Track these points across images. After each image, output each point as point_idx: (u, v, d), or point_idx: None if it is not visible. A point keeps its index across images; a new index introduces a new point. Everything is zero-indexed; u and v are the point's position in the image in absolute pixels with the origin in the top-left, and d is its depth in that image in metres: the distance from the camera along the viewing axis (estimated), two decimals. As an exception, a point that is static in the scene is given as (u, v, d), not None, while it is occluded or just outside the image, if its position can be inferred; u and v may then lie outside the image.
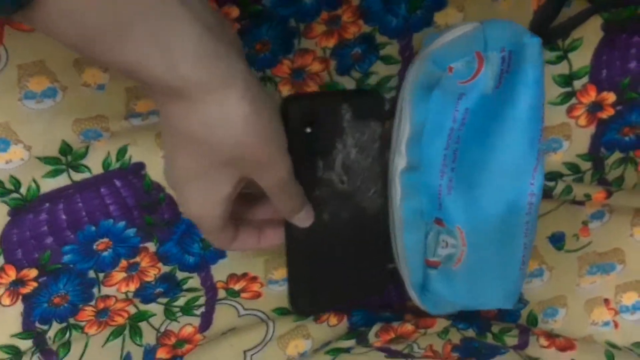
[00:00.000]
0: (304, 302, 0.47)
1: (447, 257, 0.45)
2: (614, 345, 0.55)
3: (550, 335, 0.52)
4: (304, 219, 0.43)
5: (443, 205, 0.44)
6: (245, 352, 0.48)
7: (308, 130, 0.42)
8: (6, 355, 0.46)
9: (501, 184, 0.43)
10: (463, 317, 0.52)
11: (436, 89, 0.43)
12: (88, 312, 0.47)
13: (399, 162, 0.44)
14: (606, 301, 0.55)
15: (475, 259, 0.45)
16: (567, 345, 0.52)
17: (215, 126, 0.33)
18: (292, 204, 0.41)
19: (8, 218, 0.43)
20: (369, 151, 0.44)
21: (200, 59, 0.31)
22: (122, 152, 0.44)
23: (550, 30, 0.46)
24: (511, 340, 0.51)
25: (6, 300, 0.45)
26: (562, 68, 0.47)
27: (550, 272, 0.54)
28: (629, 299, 0.55)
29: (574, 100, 0.48)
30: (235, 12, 0.41)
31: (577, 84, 0.47)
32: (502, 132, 0.43)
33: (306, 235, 0.44)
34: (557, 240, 0.53)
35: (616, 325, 0.55)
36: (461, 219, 0.44)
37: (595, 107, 0.48)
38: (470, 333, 0.51)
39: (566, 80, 0.47)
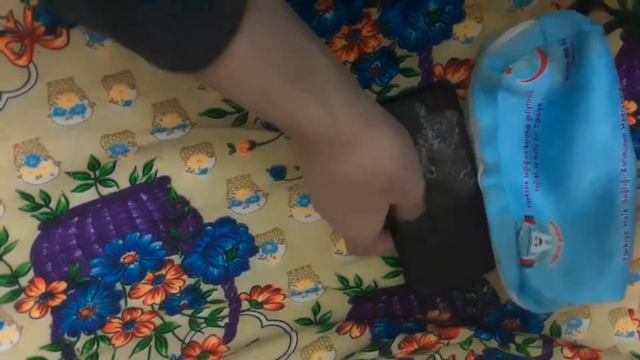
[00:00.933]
0: (426, 288, 0.50)
1: (542, 254, 0.46)
2: (638, 356, 0.55)
3: (575, 346, 0.52)
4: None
5: (532, 202, 0.44)
6: (268, 363, 0.50)
7: None
8: (35, 367, 0.48)
9: (590, 175, 0.43)
10: (486, 328, 0.52)
11: (500, 91, 0.44)
12: (115, 324, 0.49)
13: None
14: (630, 311, 0.55)
15: (573, 254, 0.45)
16: (591, 356, 0.52)
17: (369, 166, 0.36)
18: (413, 215, 0.45)
19: (38, 232, 0.45)
20: (450, 138, 0.46)
21: (351, 105, 0.34)
22: (148, 166, 0.45)
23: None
24: (535, 351, 0.51)
25: (36, 313, 0.47)
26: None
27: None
28: (654, 309, 0.55)
29: None
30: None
31: None
32: (580, 123, 0.43)
33: (412, 229, 0.46)
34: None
35: (641, 335, 0.55)
36: (554, 214, 0.44)
37: None
38: (493, 343, 0.51)
39: None
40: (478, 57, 0.46)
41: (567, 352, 0.51)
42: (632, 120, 0.49)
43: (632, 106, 0.49)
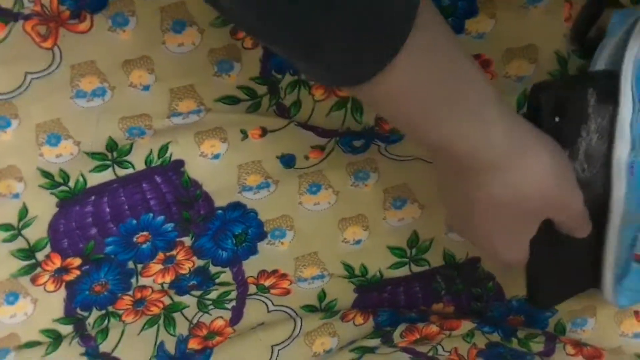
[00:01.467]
0: (545, 297, 0.48)
1: None
2: (643, 358, 0.55)
3: (578, 344, 0.53)
4: (584, 232, 0.44)
5: None
6: (272, 346, 0.51)
7: (557, 119, 0.40)
8: (47, 339, 0.50)
9: None
10: (488, 321, 0.53)
11: None
12: (126, 301, 0.51)
13: (621, 146, 0.43)
14: (636, 313, 0.56)
15: None
16: (594, 354, 0.53)
17: (522, 188, 0.36)
18: (578, 225, 0.43)
19: (56, 209, 0.47)
20: (606, 136, 0.43)
21: (509, 128, 0.34)
22: (163, 149, 0.48)
23: (587, 41, 0.48)
24: (537, 346, 0.52)
25: (50, 287, 0.49)
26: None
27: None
28: (659, 311, 0.56)
29: None
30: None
31: None
32: None
33: (549, 234, 0.43)
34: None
35: (646, 337, 0.56)
36: None
37: None
38: (495, 337, 0.52)
39: None
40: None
41: (570, 349, 0.52)
42: None
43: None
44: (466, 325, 0.52)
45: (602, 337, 0.56)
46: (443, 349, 0.53)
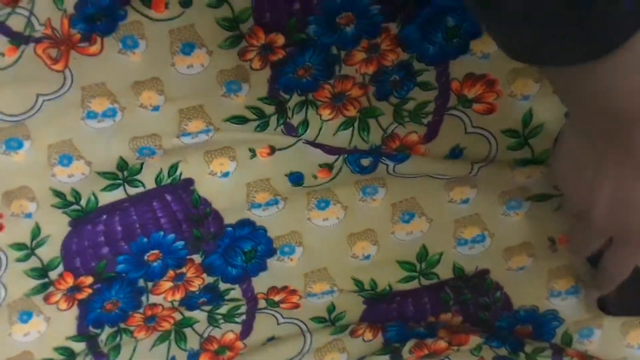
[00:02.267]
0: (623, 305, 0.51)
1: None
2: (649, 368, 0.56)
3: (585, 357, 0.54)
4: None
5: None
6: (283, 361, 0.53)
7: None
8: (61, 357, 0.52)
9: None
10: (497, 335, 0.54)
11: None
12: (137, 318, 0.52)
13: None
14: (643, 324, 0.57)
15: None
16: (600, 367, 0.54)
17: None
18: None
19: (69, 228, 0.49)
20: None
21: None
22: (173, 168, 0.49)
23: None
24: None
25: (63, 305, 0.51)
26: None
27: (587, 290, 0.56)
28: (666, 322, 0.57)
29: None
30: (281, 39, 0.46)
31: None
32: None
33: None
34: (594, 259, 0.55)
35: (652, 348, 0.57)
36: None
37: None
38: (503, 352, 0.53)
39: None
40: None
41: (577, 362, 0.53)
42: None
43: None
44: (474, 340, 0.53)
45: (609, 348, 0.57)
46: (451, 361, 0.54)
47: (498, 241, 0.54)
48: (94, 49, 0.45)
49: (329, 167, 0.50)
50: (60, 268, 0.50)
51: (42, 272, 0.49)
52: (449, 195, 0.52)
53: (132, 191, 0.49)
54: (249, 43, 0.46)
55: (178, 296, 0.52)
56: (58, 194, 0.48)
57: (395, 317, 0.55)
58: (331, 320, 0.55)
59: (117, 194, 0.49)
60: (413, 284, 0.55)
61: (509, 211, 0.53)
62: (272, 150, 0.50)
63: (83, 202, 0.48)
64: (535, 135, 0.50)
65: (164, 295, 0.52)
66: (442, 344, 0.53)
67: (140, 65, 0.46)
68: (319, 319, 0.55)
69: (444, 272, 0.55)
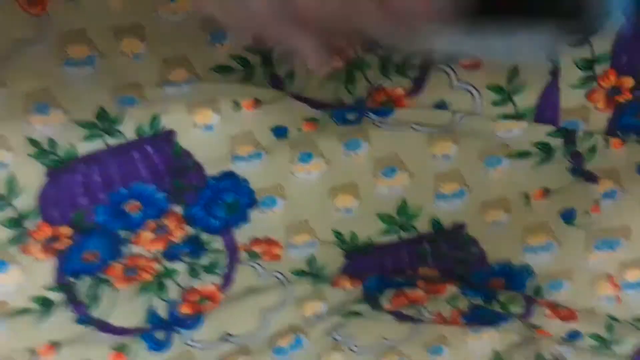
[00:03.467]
0: None
1: None
2: (614, 318, 0.60)
3: (554, 306, 0.57)
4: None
5: None
6: (263, 311, 0.54)
7: None
8: (39, 306, 0.52)
9: None
10: (471, 286, 0.57)
11: None
12: (117, 268, 0.53)
13: None
14: (610, 277, 0.60)
15: None
16: (569, 315, 0.57)
17: None
18: None
19: (46, 178, 0.48)
20: None
21: None
22: (155, 119, 0.48)
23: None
24: (517, 309, 0.56)
25: (41, 255, 0.51)
26: (584, 52, 0.51)
27: (559, 246, 0.58)
28: (632, 275, 0.60)
29: (593, 84, 0.52)
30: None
31: (598, 68, 0.51)
32: None
33: None
34: (568, 216, 0.57)
35: (619, 300, 0.60)
36: None
37: (614, 91, 0.52)
38: (478, 301, 0.56)
39: (588, 64, 0.51)
40: None
41: (547, 311, 0.56)
42: (629, 96, 0.53)
43: (629, 82, 0.52)
44: (450, 290, 0.55)
45: (578, 299, 0.60)
46: (427, 311, 0.56)
47: (476, 196, 0.56)
48: (72, -9, 0.44)
49: (314, 120, 0.51)
50: (37, 218, 0.49)
51: (18, 222, 0.49)
52: (431, 151, 0.54)
53: (112, 142, 0.48)
54: (236, -10, 0.45)
55: (160, 246, 0.53)
56: (34, 143, 0.47)
57: (375, 270, 0.57)
58: (311, 272, 0.57)
59: (96, 145, 0.48)
60: (392, 238, 0.56)
61: (488, 167, 0.55)
62: (257, 103, 0.50)
63: (60, 152, 0.48)
64: (519, 91, 0.51)
65: (144, 245, 0.53)
66: (419, 292, 0.55)
67: (121, 10, 0.45)
68: (299, 272, 0.56)
69: (423, 226, 0.56)
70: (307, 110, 0.50)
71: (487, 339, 0.60)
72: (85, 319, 0.53)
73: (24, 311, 0.52)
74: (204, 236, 0.54)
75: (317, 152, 0.52)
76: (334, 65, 0.49)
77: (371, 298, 0.55)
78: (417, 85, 0.51)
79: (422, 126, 0.52)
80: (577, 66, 0.51)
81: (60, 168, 0.48)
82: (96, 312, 0.53)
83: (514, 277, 0.59)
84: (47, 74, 0.45)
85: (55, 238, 0.50)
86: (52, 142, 0.47)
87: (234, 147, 0.51)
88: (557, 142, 0.53)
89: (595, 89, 0.52)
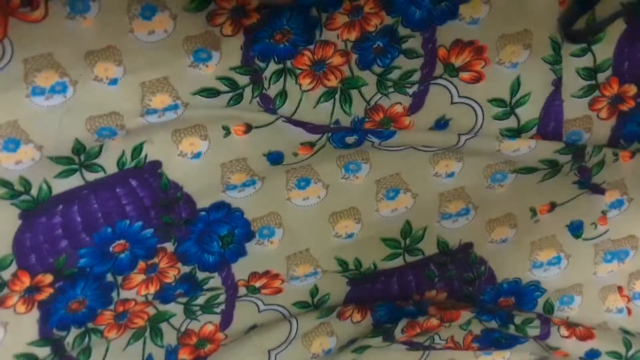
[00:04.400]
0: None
1: None
2: (628, 332, 0.49)
3: (570, 325, 0.46)
4: None
5: None
6: (269, 351, 0.42)
7: None
8: (23, 363, 0.40)
9: None
10: (485, 309, 0.45)
11: None
12: (107, 316, 0.40)
13: None
14: (620, 288, 0.49)
15: None
16: (586, 334, 0.46)
17: None
18: None
19: (19, 222, 0.36)
20: None
21: None
22: (137, 150, 0.37)
23: (576, 31, 0.40)
24: (533, 331, 0.45)
25: (21, 308, 0.38)
26: (587, 61, 0.41)
27: (568, 260, 0.47)
28: (641, 285, 0.49)
29: (596, 94, 0.42)
30: (255, 1, 0.35)
31: (601, 76, 0.41)
32: None
33: None
34: (575, 229, 0.47)
35: (629, 312, 0.49)
36: None
37: (617, 100, 0.42)
38: (493, 325, 0.44)
39: (590, 73, 0.41)
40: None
41: (564, 331, 0.45)
42: (632, 103, 0.43)
43: (632, 89, 0.42)
44: (465, 316, 0.44)
45: (589, 313, 0.49)
46: (440, 337, 0.45)
47: (482, 214, 0.45)
48: (37, 14, 0.33)
49: (310, 144, 0.40)
50: (14, 267, 0.37)
51: (-8, 272, 0.37)
52: (434, 169, 0.43)
53: (91, 177, 0.37)
54: (219, 5, 0.35)
55: (152, 289, 0.41)
56: (4, 183, 0.35)
57: (380, 297, 0.46)
58: (314, 304, 0.45)
59: (73, 181, 0.37)
60: (398, 262, 0.45)
61: (493, 183, 0.44)
62: (248, 128, 0.38)
63: (34, 192, 0.36)
64: (522, 104, 0.41)
65: (136, 289, 0.41)
66: (433, 321, 0.43)
67: (92, 32, 0.34)
68: (301, 304, 0.45)
69: (428, 247, 0.45)
70: (303, 135, 0.39)
71: (500, 361, 0.48)
72: (74, 373, 0.40)
73: (8, 369, 0.39)
74: (200, 274, 0.42)
75: (314, 177, 0.41)
76: (328, 84, 0.38)
77: (384, 330, 0.43)
78: (417, 101, 0.40)
79: (426, 148, 0.41)
80: (579, 75, 0.41)
81: (35, 209, 0.36)
82: (86, 365, 0.41)
83: (524, 294, 0.48)
84: (13, 106, 0.34)
85: (35, 288, 0.38)
86: (23, 180, 0.36)
87: (225, 175, 0.39)
88: (564, 159, 0.43)
89: (598, 98, 0.42)
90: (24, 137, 0.35)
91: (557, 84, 0.41)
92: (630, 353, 0.47)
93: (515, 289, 0.48)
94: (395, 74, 0.39)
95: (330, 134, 0.39)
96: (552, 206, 0.46)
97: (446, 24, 0.38)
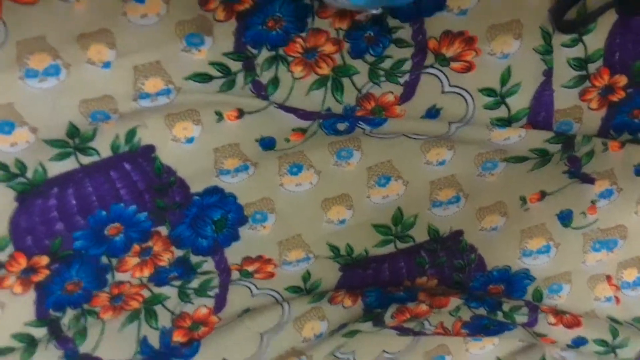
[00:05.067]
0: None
1: None
2: (615, 320, 0.47)
3: (558, 313, 0.44)
4: None
5: None
6: (261, 334, 0.40)
7: None
8: (21, 344, 0.38)
9: None
10: (473, 296, 0.44)
11: None
12: (102, 297, 0.39)
13: None
14: (608, 277, 0.47)
15: None
16: (573, 322, 0.44)
17: None
18: None
19: (16, 204, 0.35)
20: None
21: None
22: (131, 134, 0.35)
23: (568, 22, 0.38)
24: (521, 318, 0.43)
25: (18, 289, 0.37)
26: (578, 51, 0.39)
27: (557, 249, 0.46)
28: (630, 275, 0.47)
29: (587, 84, 0.40)
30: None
31: (592, 67, 0.39)
32: None
33: None
34: (565, 218, 0.45)
35: (618, 300, 0.47)
36: None
37: (607, 90, 0.40)
38: (482, 311, 0.43)
39: (581, 63, 0.39)
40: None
41: (551, 319, 0.43)
42: (622, 94, 0.41)
43: (623, 80, 0.40)
44: (454, 302, 0.42)
45: (577, 302, 0.47)
46: (429, 323, 0.43)
47: (472, 202, 0.43)
48: (31, -3, 0.31)
49: (302, 130, 0.38)
50: (10, 248, 0.36)
51: (-11, 253, 0.36)
52: (426, 157, 0.41)
53: (86, 160, 0.35)
54: (211, -10, 0.33)
55: (147, 272, 0.39)
56: (0, 166, 0.34)
57: (372, 283, 0.44)
58: (307, 289, 0.43)
59: (68, 164, 0.35)
60: (389, 248, 0.43)
61: (484, 172, 0.42)
62: (241, 113, 0.37)
63: (29, 174, 0.35)
64: (512, 94, 0.39)
65: (131, 272, 0.39)
66: (423, 307, 0.42)
67: (85, 14, 0.32)
68: (294, 288, 0.43)
69: (419, 234, 0.43)
70: (294, 121, 0.37)
71: (490, 347, 0.46)
72: (71, 355, 0.39)
73: (7, 350, 0.38)
74: (194, 258, 0.40)
75: (307, 163, 0.39)
76: (320, 72, 0.37)
77: (374, 315, 0.42)
78: (408, 90, 0.38)
79: (418, 136, 0.39)
80: (570, 66, 0.39)
81: (30, 192, 0.35)
82: (83, 347, 0.39)
83: (514, 282, 0.46)
84: (7, 88, 0.32)
85: (32, 269, 0.37)
86: (19, 163, 0.34)
87: (218, 160, 0.37)
88: (554, 148, 0.41)
89: (589, 89, 0.40)
90: (19, 120, 0.33)
91: (548, 74, 0.39)
92: (617, 341, 0.45)
93: (504, 277, 0.46)
94: (386, 63, 0.37)
95: (321, 121, 0.37)
96: (542, 195, 0.44)
97: (434, 15, 0.36)
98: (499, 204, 0.44)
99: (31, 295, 0.37)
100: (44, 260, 0.37)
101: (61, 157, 0.35)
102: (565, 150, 0.41)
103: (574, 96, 0.40)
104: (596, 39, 0.39)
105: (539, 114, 0.40)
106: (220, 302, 0.42)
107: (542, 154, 0.41)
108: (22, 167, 0.34)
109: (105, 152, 0.35)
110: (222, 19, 0.34)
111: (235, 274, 0.42)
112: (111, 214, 0.37)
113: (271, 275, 0.43)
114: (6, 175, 0.34)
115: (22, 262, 0.36)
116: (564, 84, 0.40)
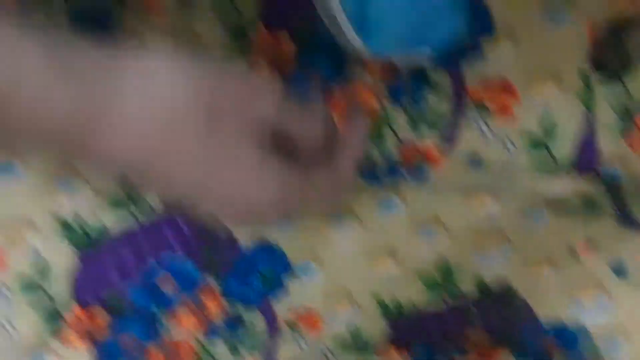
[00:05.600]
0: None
1: None
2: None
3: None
4: None
5: None
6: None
7: None
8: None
9: None
10: (526, 351, 0.40)
11: None
12: (154, 350, 0.38)
13: None
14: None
15: None
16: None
17: None
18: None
19: (76, 259, 0.35)
20: None
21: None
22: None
23: (607, 64, 0.37)
24: (578, 375, 0.39)
25: (79, 343, 0.36)
26: (619, 93, 0.37)
27: (613, 303, 0.41)
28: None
29: (631, 126, 0.38)
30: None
31: (635, 108, 0.37)
32: None
33: None
34: (619, 269, 0.41)
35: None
36: None
37: None
38: (536, 366, 0.39)
39: (623, 105, 0.37)
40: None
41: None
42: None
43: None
44: (504, 355, 0.38)
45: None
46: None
47: (520, 252, 0.41)
48: None
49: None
50: (71, 303, 0.36)
51: (51, 309, 0.35)
52: (470, 208, 0.39)
53: (141, 215, 0.35)
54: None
55: (197, 324, 0.38)
56: (62, 222, 0.34)
57: (421, 339, 0.41)
58: (354, 343, 0.41)
59: (125, 219, 0.35)
60: (438, 303, 0.41)
61: (530, 221, 0.40)
62: (285, 164, 0.36)
63: (89, 230, 0.35)
64: (554, 139, 0.38)
65: (180, 323, 0.38)
66: (471, 358, 0.38)
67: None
68: (343, 344, 0.41)
69: (467, 287, 0.41)
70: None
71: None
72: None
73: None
74: (242, 310, 0.39)
75: (351, 213, 0.38)
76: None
77: (421, 369, 0.39)
78: (449, 138, 0.37)
79: (460, 184, 0.38)
80: (612, 108, 0.37)
81: (89, 247, 0.35)
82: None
83: (568, 337, 0.42)
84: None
85: (91, 323, 0.36)
86: (79, 219, 0.35)
87: (265, 213, 0.37)
88: (601, 193, 0.38)
89: (634, 132, 0.38)
90: (81, 178, 0.34)
91: (590, 118, 0.38)
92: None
93: (558, 331, 0.42)
94: (425, 110, 0.37)
95: (363, 170, 0.37)
96: (592, 244, 0.41)
97: (471, 62, 0.36)
98: (547, 254, 0.41)
99: (89, 349, 0.37)
100: (101, 313, 0.36)
101: (118, 213, 0.35)
102: (613, 197, 0.39)
103: (617, 139, 0.38)
104: (638, 80, 0.37)
105: (584, 160, 0.38)
106: (269, 356, 0.40)
107: (588, 200, 0.39)
108: (82, 223, 0.35)
109: (158, 207, 0.35)
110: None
111: (283, 327, 0.40)
112: (162, 263, 0.36)
113: (318, 328, 0.41)
114: (68, 232, 0.35)
115: (82, 316, 0.36)
116: (607, 128, 0.38)
